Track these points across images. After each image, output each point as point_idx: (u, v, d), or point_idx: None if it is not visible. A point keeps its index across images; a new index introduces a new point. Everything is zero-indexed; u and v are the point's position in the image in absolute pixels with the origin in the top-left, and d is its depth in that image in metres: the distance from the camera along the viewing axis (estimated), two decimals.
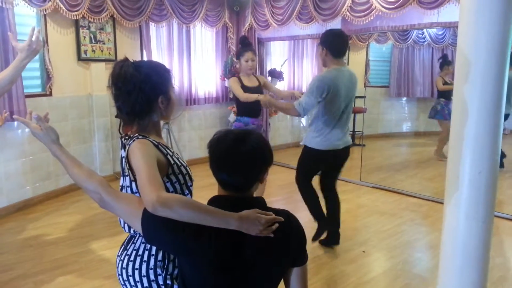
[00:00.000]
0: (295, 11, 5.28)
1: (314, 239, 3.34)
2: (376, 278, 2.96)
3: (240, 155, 1.23)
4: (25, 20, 4.16)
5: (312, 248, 3.33)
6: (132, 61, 1.41)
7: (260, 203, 1.28)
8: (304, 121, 7.38)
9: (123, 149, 1.41)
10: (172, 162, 1.41)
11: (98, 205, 1.33)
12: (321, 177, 3.42)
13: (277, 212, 1.27)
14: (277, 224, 1.21)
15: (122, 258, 1.43)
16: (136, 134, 1.39)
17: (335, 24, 5.06)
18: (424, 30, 7.24)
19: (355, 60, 7.77)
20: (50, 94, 4.47)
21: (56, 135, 1.41)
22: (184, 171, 1.45)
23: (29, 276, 2.91)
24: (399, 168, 6.30)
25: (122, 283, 1.43)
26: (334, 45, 3.08)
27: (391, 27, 4.71)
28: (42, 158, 4.40)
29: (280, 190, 4.95)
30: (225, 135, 1.27)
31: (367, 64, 7.84)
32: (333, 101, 3.05)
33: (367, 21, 4.59)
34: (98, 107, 4.94)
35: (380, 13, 4.43)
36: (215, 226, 1.16)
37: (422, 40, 7.66)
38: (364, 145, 7.20)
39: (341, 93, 3.07)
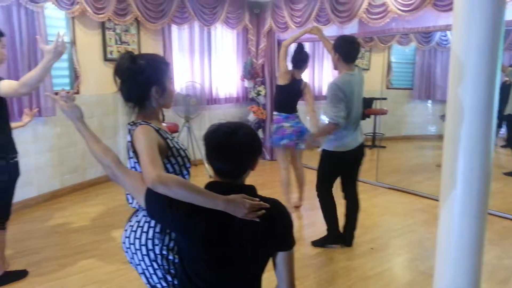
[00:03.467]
0: (313, 13, 5.37)
1: (315, 244, 3.41)
2: (381, 273, 3.03)
3: (232, 146, 1.36)
4: (55, 22, 4.44)
5: None
6: (132, 54, 1.58)
7: (250, 190, 1.41)
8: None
9: (129, 135, 1.58)
10: (172, 145, 1.57)
11: (110, 177, 1.54)
12: (342, 181, 3.46)
13: (266, 199, 1.39)
14: (263, 210, 1.33)
15: (126, 228, 1.63)
16: (139, 121, 1.56)
17: (352, 26, 5.14)
18: (447, 32, 7.17)
19: (376, 62, 7.78)
20: (78, 92, 4.73)
21: (81, 113, 1.63)
22: (183, 154, 1.61)
23: (54, 259, 3.15)
24: (418, 170, 6.27)
25: (125, 250, 1.61)
26: (346, 51, 3.14)
27: (407, 29, 4.74)
28: (70, 152, 4.67)
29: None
30: (218, 128, 1.40)
31: (389, 66, 7.82)
32: (347, 104, 3.12)
33: (383, 23, 4.64)
34: (123, 105, 5.16)
35: (396, 16, 4.49)
36: (205, 206, 1.30)
37: (445, 43, 7.56)
38: (385, 147, 7.21)
39: (354, 96, 3.16)
